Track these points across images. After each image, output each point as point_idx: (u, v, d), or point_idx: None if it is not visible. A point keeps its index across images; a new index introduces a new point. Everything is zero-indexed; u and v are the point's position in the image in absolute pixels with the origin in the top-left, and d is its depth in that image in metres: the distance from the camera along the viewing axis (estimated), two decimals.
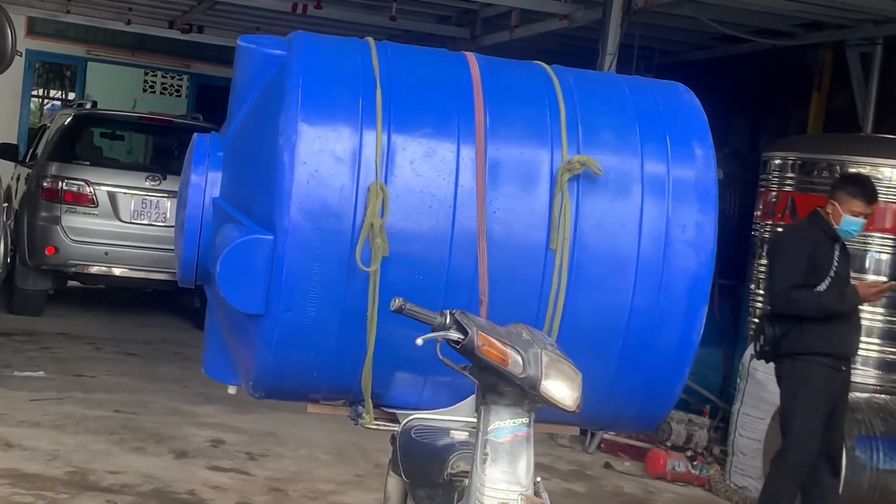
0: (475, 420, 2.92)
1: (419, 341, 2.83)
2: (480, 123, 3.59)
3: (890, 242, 7.02)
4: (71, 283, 10.97)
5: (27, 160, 11.65)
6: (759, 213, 7.65)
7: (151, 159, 13.90)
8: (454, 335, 2.82)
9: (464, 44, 10.88)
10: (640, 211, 3.64)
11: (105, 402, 7.50)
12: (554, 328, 3.57)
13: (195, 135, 3.93)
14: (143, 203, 10.23)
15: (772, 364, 5.81)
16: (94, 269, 10.29)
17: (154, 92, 18.20)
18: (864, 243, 6.98)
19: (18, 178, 11.52)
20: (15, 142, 14.28)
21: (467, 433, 3.30)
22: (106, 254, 10.16)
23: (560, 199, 3.55)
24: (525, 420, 2.84)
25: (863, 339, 7.01)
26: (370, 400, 3.63)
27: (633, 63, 8.88)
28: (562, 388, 2.80)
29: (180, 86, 18.20)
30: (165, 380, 8.46)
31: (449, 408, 3.56)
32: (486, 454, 2.81)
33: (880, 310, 7.05)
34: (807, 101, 9.72)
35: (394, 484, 3.57)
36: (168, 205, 10.12)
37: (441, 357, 2.93)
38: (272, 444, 6.90)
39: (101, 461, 6.15)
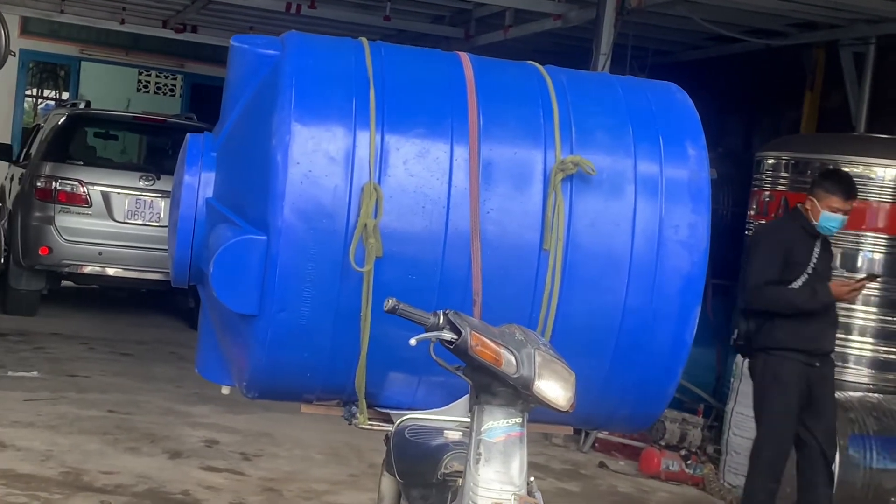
0: (469, 420, 2.92)
1: (412, 341, 2.84)
2: (474, 123, 3.60)
3: (883, 242, 7.04)
4: (65, 283, 10.95)
5: (21, 160, 11.63)
6: (752, 212, 7.67)
7: (145, 159, 13.89)
8: (447, 335, 2.82)
9: (458, 44, 10.88)
10: (634, 211, 3.64)
11: (99, 403, 7.50)
12: (547, 328, 3.57)
13: (188, 135, 3.92)
14: (137, 203, 10.22)
15: None
16: (88, 270, 10.27)
17: (148, 92, 18.17)
18: (857, 243, 7.00)
19: (12, 178, 11.51)
20: (9, 142, 14.27)
21: (461, 433, 3.30)
22: (100, 254, 10.14)
23: (553, 199, 3.56)
24: (518, 420, 2.84)
25: (856, 338, 7.05)
26: (364, 400, 3.63)
27: (626, 63, 8.89)
28: (555, 388, 2.80)
29: (174, 85, 18.17)
30: (159, 380, 8.46)
31: (443, 408, 3.57)
32: (480, 454, 2.82)
33: (873, 309, 7.07)
34: (800, 101, 9.74)
35: (388, 484, 3.58)
36: (162, 205, 10.11)
37: (434, 357, 2.93)
38: (266, 444, 6.89)
39: (95, 461, 6.15)
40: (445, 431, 3.36)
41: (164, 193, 9.92)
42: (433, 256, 3.52)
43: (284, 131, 3.45)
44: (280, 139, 3.45)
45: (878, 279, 6.74)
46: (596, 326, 3.65)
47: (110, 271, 10.34)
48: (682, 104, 3.90)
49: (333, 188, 3.45)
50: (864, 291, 6.98)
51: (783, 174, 7.43)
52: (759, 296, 5.61)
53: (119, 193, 10.20)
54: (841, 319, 6.85)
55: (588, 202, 3.62)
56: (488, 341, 2.79)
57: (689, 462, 7.30)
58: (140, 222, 10.19)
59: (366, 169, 3.47)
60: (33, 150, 11.17)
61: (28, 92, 18.19)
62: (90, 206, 10.12)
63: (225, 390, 4.01)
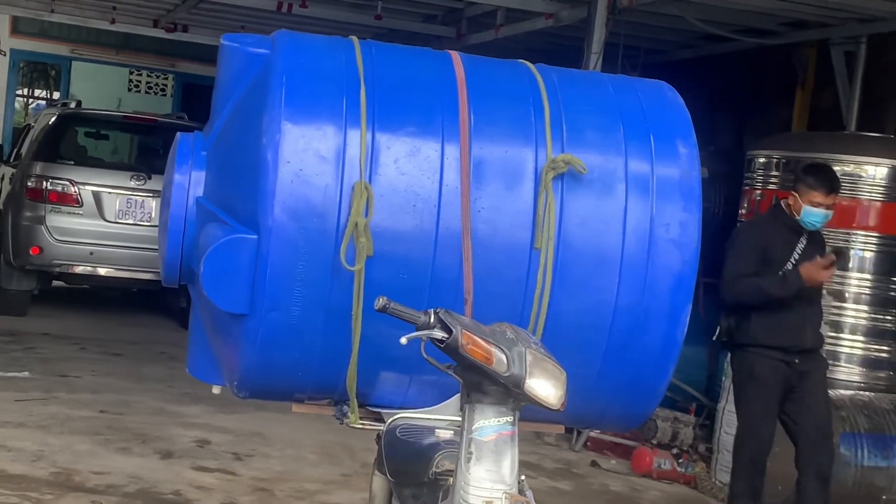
0: (460, 419, 2.92)
1: (403, 340, 2.83)
2: (465, 122, 3.59)
3: (874, 240, 7.04)
4: (56, 283, 10.93)
5: (12, 160, 11.61)
6: (743, 211, 7.68)
7: (136, 159, 13.86)
8: (438, 334, 2.82)
9: (449, 43, 10.87)
10: (625, 209, 3.64)
11: (90, 403, 7.48)
12: (538, 327, 3.57)
13: (178, 134, 3.91)
14: (128, 203, 10.20)
15: None
16: (79, 269, 10.26)
17: (139, 91, 18.15)
18: (848, 241, 7.01)
19: (3, 178, 11.48)
20: None
21: (452, 432, 3.30)
22: (91, 254, 10.13)
23: (544, 197, 3.55)
24: (509, 419, 2.84)
25: (847, 336, 7.05)
26: (355, 399, 3.63)
27: (618, 62, 8.89)
28: (546, 387, 2.80)
29: (165, 85, 18.15)
30: (151, 380, 8.44)
31: (434, 407, 3.56)
32: (471, 453, 2.81)
33: (864, 307, 7.07)
34: (791, 100, 9.75)
35: (379, 483, 3.57)
36: (153, 204, 10.10)
37: (425, 356, 2.93)
38: (258, 443, 6.89)
39: (86, 462, 6.13)
40: (437, 430, 3.36)
41: (156, 193, 9.90)
42: (424, 255, 3.51)
43: (275, 130, 3.44)
44: (270, 138, 3.44)
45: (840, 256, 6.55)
46: (587, 325, 3.65)
47: (101, 271, 10.32)
48: (673, 103, 3.90)
49: (324, 187, 3.44)
50: (856, 289, 7.02)
51: (774, 172, 7.44)
52: (732, 289, 5.61)
53: (110, 193, 10.18)
54: (832, 317, 6.88)
55: (579, 201, 3.61)
56: (479, 340, 2.79)
57: (680, 460, 7.30)
58: (131, 222, 10.17)
59: (356, 168, 3.46)
60: (24, 150, 11.16)
61: (19, 91, 18.18)
62: (81, 205, 10.10)
63: (216, 390, 4.00)
